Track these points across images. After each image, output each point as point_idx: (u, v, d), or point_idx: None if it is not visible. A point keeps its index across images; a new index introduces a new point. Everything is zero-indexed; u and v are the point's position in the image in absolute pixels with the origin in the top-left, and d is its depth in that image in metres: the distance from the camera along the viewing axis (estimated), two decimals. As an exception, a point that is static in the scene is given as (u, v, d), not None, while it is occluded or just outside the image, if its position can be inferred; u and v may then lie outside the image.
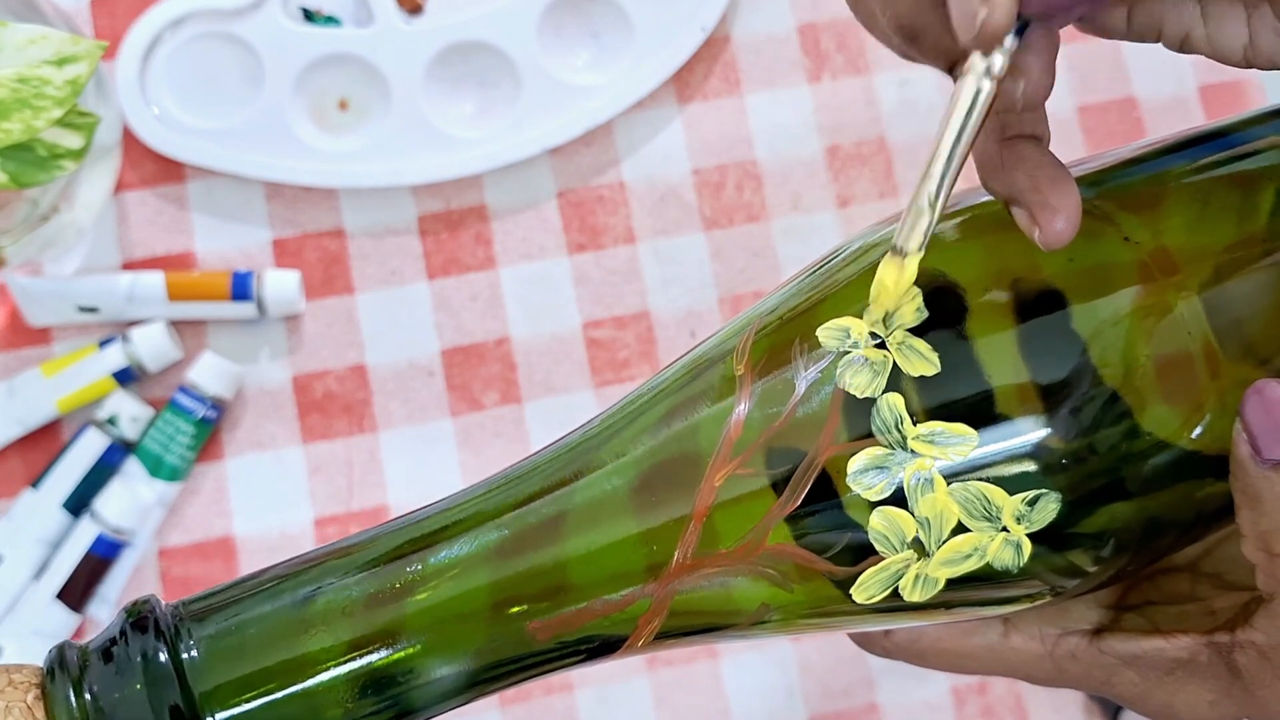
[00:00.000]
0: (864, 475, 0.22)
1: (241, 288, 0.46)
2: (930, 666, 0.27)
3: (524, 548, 0.22)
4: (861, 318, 0.23)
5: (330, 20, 0.49)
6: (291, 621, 0.21)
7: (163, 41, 0.47)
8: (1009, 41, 0.20)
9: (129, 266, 0.48)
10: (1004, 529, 0.22)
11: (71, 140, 0.38)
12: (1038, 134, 0.24)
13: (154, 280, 0.46)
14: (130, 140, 0.48)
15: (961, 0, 0.20)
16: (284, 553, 0.47)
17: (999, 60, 0.21)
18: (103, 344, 0.46)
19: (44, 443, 0.47)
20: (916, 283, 0.23)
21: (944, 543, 0.22)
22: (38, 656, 0.47)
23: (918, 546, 0.22)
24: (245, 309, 0.46)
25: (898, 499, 0.22)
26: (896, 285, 0.22)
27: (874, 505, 0.22)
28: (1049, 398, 0.22)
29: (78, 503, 0.45)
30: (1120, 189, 0.25)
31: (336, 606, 0.21)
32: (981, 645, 0.26)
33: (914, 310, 0.23)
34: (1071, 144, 0.51)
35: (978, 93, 0.21)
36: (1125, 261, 0.24)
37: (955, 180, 0.22)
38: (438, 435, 0.48)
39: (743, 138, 0.50)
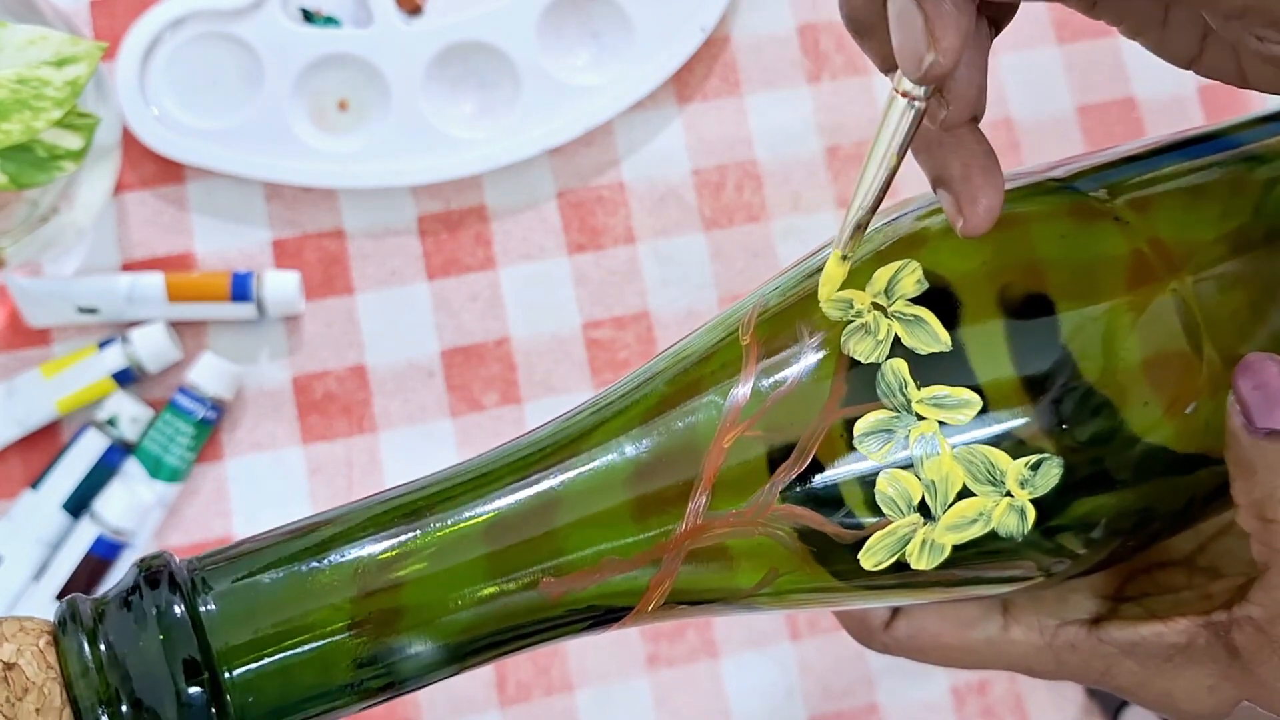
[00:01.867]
0: (869, 438, 0.22)
1: (241, 288, 0.46)
2: (931, 662, 0.27)
3: (540, 508, 0.22)
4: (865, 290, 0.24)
5: (330, 21, 0.49)
6: (308, 577, 0.21)
7: (162, 42, 0.47)
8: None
9: (129, 267, 0.48)
10: (1008, 493, 0.23)
11: (71, 141, 0.38)
12: (976, 114, 0.25)
13: (154, 281, 0.46)
14: (130, 141, 0.48)
15: (908, 41, 0.20)
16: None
17: (923, 90, 0.21)
18: (102, 345, 0.46)
19: (44, 443, 0.47)
20: (924, 262, 0.23)
21: (949, 507, 0.22)
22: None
23: (924, 510, 0.23)
24: (245, 310, 0.46)
25: (904, 463, 0.22)
26: (833, 279, 0.23)
27: (880, 468, 0.22)
28: (1043, 381, 0.23)
29: (77, 503, 0.45)
30: (1118, 182, 0.26)
31: (351, 564, 0.21)
32: (981, 639, 0.26)
33: (914, 281, 0.23)
34: (1071, 144, 0.51)
35: (905, 112, 0.21)
36: (1122, 249, 0.24)
37: (886, 189, 0.22)
38: (437, 435, 0.48)
39: (742, 138, 0.51)
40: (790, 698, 0.48)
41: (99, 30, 0.49)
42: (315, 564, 0.21)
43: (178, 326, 0.47)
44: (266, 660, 0.20)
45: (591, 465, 0.23)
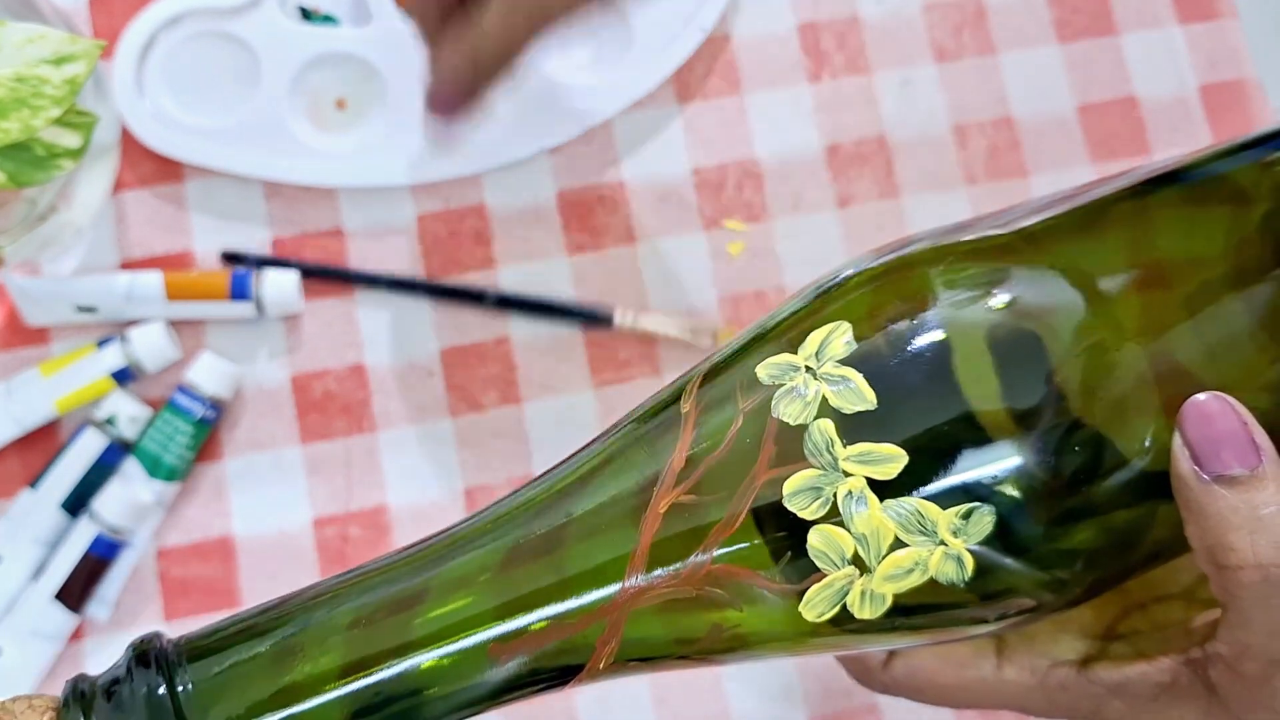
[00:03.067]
0: (798, 496, 0.23)
1: (240, 287, 0.46)
2: (928, 701, 0.28)
3: (489, 573, 0.23)
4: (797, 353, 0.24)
5: (327, 19, 0.49)
6: (269, 661, 0.23)
7: (159, 40, 0.47)
8: None
9: (127, 266, 0.48)
10: (942, 543, 0.23)
11: (70, 139, 0.38)
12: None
13: (152, 280, 0.46)
14: (128, 140, 0.48)
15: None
16: (283, 552, 0.47)
17: None
18: (101, 344, 0.46)
19: (42, 443, 0.47)
20: (850, 319, 0.24)
21: (884, 558, 0.23)
22: (36, 657, 0.47)
23: (859, 563, 0.23)
24: (244, 309, 0.46)
25: (835, 519, 0.23)
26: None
27: (811, 524, 0.23)
28: (981, 422, 0.23)
29: (76, 503, 0.45)
30: (1063, 227, 0.26)
31: (312, 648, 0.23)
32: (976, 678, 0.27)
33: (843, 343, 0.24)
34: (1072, 144, 0.51)
35: None
36: (1065, 294, 0.24)
37: None
38: (437, 435, 0.48)
39: (743, 137, 0.50)
40: (790, 698, 0.48)
41: (97, 28, 0.49)
42: (279, 649, 0.23)
43: (176, 325, 0.47)
44: None
45: (536, 529, 0.24)
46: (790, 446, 0.23)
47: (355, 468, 0.47)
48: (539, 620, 0.23)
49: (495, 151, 0.48)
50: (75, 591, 0.44)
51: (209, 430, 0.46)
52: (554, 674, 0.24)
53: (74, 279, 0.46)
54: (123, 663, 0.23)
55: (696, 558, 0.23)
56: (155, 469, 0.45)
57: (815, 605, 0.23)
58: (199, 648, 0.23)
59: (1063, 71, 0.52)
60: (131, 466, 0.45)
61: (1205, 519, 0.23)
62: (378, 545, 0.47)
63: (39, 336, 0.47)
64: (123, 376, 0.46)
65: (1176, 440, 0.23)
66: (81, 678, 0.23)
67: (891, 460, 0.23)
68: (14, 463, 0.46)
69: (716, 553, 0.23)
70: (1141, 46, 0.52)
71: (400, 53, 0.48)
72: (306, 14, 0.49)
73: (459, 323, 0.49)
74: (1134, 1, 0.53)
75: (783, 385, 0.24)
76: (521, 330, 0.49)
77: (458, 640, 0.23)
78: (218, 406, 0.46)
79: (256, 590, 0.46)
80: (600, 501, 0.24)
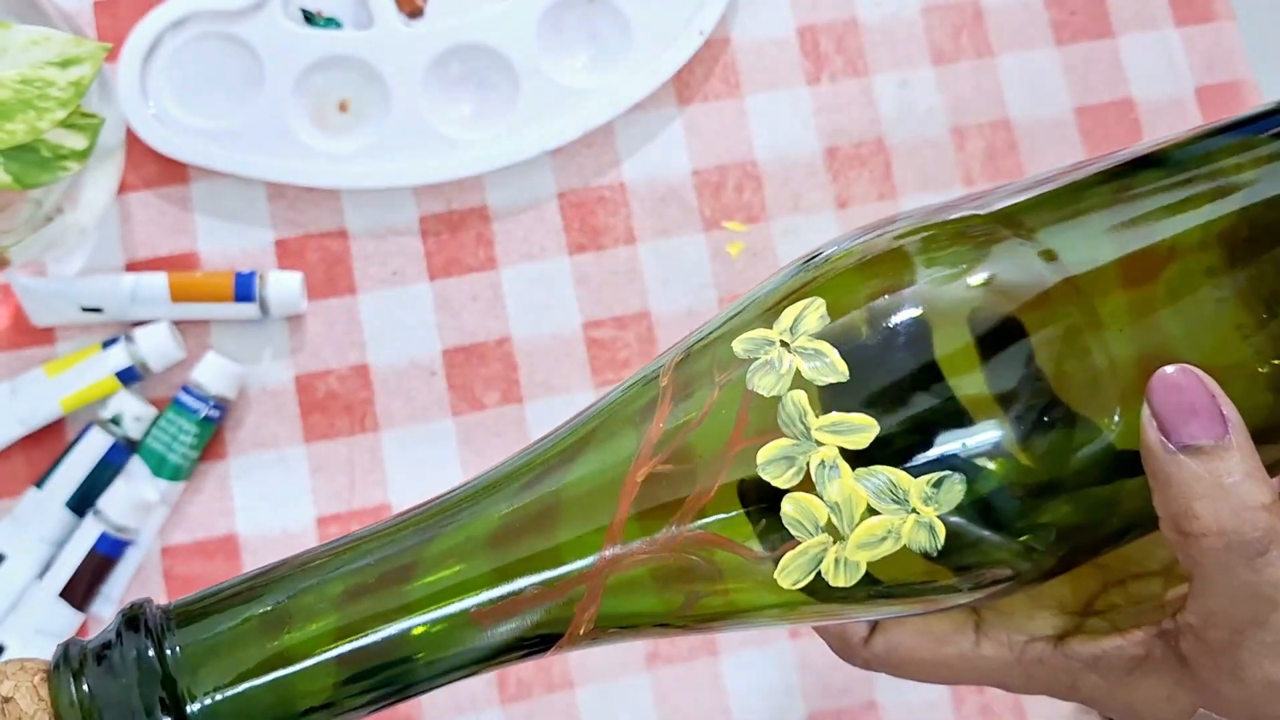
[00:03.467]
0: (772, 465, 0.24)
1: (244, 288, 0.46)
2: (908, 677, 0.28)
3: (475, 543, 0.24)
4: (772, 328, 0.25)
5: (330, 22, 0.49)
6: (259, 627, 0.23)
7: (164, 42, 0.47)
8: None
9: (132, 267, 0.48)
10: (914, 511, 0.23)
11: (75, 141, 0.38)
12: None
13: (157, 281, 0.46)
14: (133, 142, 0.48)
15: None
16: (286, 551, 0.47)
17: None
18: (106, 344, 0.46)
19: (48, 442, 0.47)
20: (826, 295, 0.25)
21: (857, 525, 0.23)
22: (41, 655, 0.47)
23: (832, 530, 0.23)
24: (248, 309, 0.47)
25: (809, 487, 0.24)
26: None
27: (785, 493, 0.23)
28: (956, 396, 0.24)
29: (81, 502, 0.45)
30: (1042, 207, 0.26)
31: (301, 615, 0.23)
32: (955, 654, 0.27)
33: (817, 318, 0.24)
34: (1069, 145, 0.52)
35: None
36: (1031, 270, 0.25)
37: None
38: (439, 435, 0.48)
39: (742, 139, 0.51)
40: (790, 695, 0.48)
41: (102, 31, 0.49)
42: (262, 607, 0.23)
43: (181, 326, 0.48)
44: (223, 694, 0.23)
45: (520, 500, 0.25)
46: (765, 418, 0.24)
47: (358, 467, 0.48)
48: (522, 588, 0.24)
49: (496, 153, 0.48)
50: (80, 590, 0.45)
51: (213, 429, 0.46)
52: (536, 641, 0.24)
53: (79, 280, 0.46)
54: (113, 627, 0.23)
55: (673, 527, 0.24)
56: (160, 468, 0.46)
57: (790, 573, 0.24)
58: (189, 612, 0.23)
59: (1060, 73, 0.52)
60: (136, 465, 0.46)
61: (1170, 487, 0.23)
62: (380, 544, 0.47)
63: (44, 337, 0.47)
64: (128, 376, 0.46)
65: (1145, 411, 0.23)
66: (73, 642, 0.23)
67: (863, 430, 0.23)
68: (20, 462, 0.47)
69: (693, 522, 0.24)
70: (1138, 48, 0.53)
71: (402, 56, 0.48)
72: (310, 17, 0.49)
73: (460, 323, 0.49)
74: (1131, 4, 0.53)
75: (758, 359, 0.24)
76: (523, 330, 0.49)
77: (444, 607, 0.24)
78: (222, 406, 0.46)
79: (260, 588, 0.47)
80: (581, 473, 0.25)
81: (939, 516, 0.23)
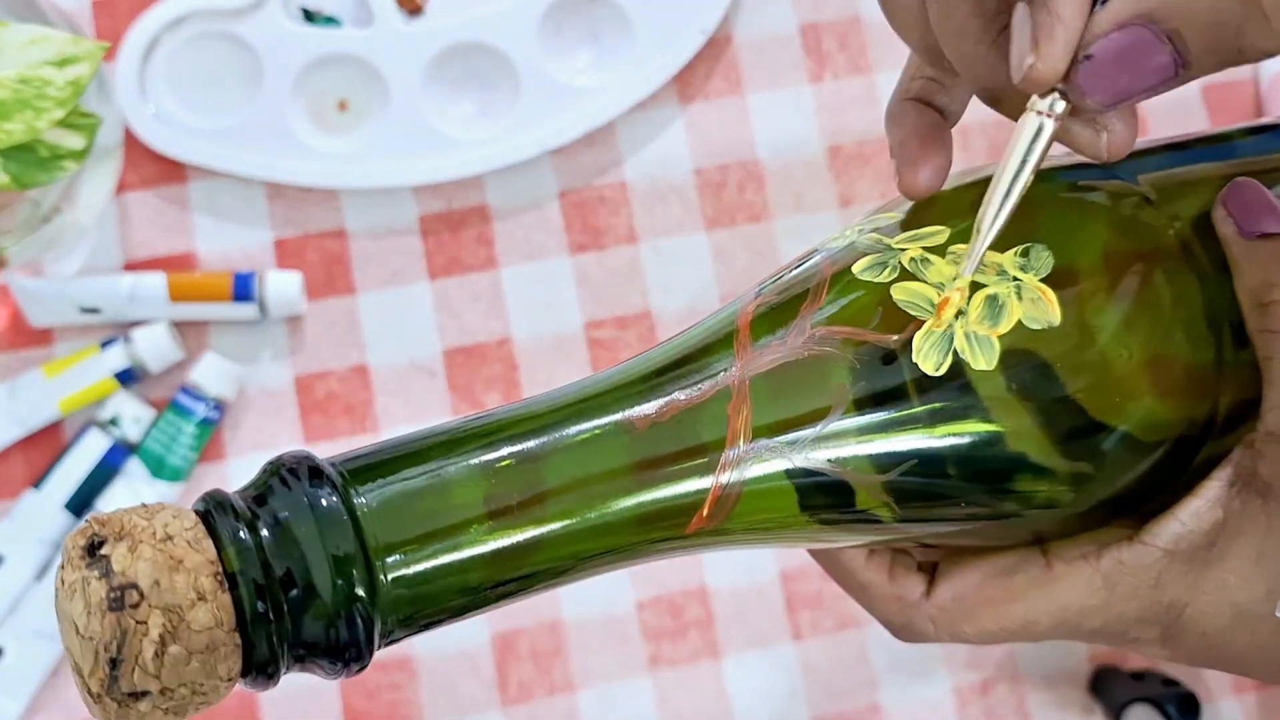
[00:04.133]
0: (868, 271, 0.25)
1: (243, 288, 0.46)
2: (979, 630, 0.27)
3: (634, 376, 0.25)
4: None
5: (330, 21, 0.49)
6: (453, 474, 0.22)
7: (162, 41, 0.47)
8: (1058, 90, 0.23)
9: (130, 267, 0.48)
10: (1014, 279, 0.24)
11: (73, 141, 0.38)
12: (940, 107, 0.28)
13: (155, 281, 0.46)
14: (131, 141, 0.48)
15: (1017, 42, 0.22)
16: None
17: (1059, 104, 0.23)
18: (104, 345, 0.46)
19: (46, 443, 0.47)
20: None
21: (970, 300, 0.24)
22: (40, 657, 0.47)
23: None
24: (247, 310, 0.46)
25: (909, 278, 0.25)
26: (953, 295, 0.25)
27: (887, 285, 0.24)
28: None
29: (80, 503, 0.45)
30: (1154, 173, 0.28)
31: (489, 462, 0.23)
32: (1027, 582, 0.26)
33: (887, 214, 0.27)
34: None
35: (1039, 129, 0.23)
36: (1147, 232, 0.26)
37: (1012, 208, 0.24)
38: (439, 435, 0.48)
39: (744, 138, 0.50)
40: (793, 698, 0.48)
41: (101, 30, 0.49)
42: (458, 461, 0.23)
43: (180, 326, 0.47)
44: (416, 553, 0.22)
45: (676, 343, 0.26)
46: (844, 259, 0.26)
47: (358, 468, 0.48)
48: (674, 391, 0.24)
49: (497, 152, 0.48)
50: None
51: (212, 431, 0.46)
52: (694, 455, 0.24)
53: (77, 280, 0.46)
54: (262, 479, 0.22)
55: (796, 325, 0.25)
56: (158, 469, 0.45)
57: (927, 354, 0.24)
58: (364, 463, 0.23)
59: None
60: (135, 467, 0.46)
61: (1251, 266, 0.25)
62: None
63: (42, 337, 0.47)
64: (126, 377, 0.46)
65: (1219, 212, 0.26)
66: (217, 492, 0.22)
67: (937, 232, 0.25)
68: (18, 463, 0.47)
69: (813, 318, 0.25)
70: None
71: (402, 54, 0.48)
72: (309, 15, 0.49)
73: (461, 323, 0.49)
74: (1135, 1, 0.53)
75: (835, 241, 0.27)
76: (523, 330, 0.49)
77: (606, 419, 0.24)
78: (221, 407, 0.46)
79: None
80: (702, 329, 0.26)
81: (1039, 281, 0.24)
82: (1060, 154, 0.28)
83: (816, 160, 0.51)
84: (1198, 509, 0.25)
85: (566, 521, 0.23)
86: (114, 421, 0.46)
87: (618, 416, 0.24)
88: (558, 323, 0.49)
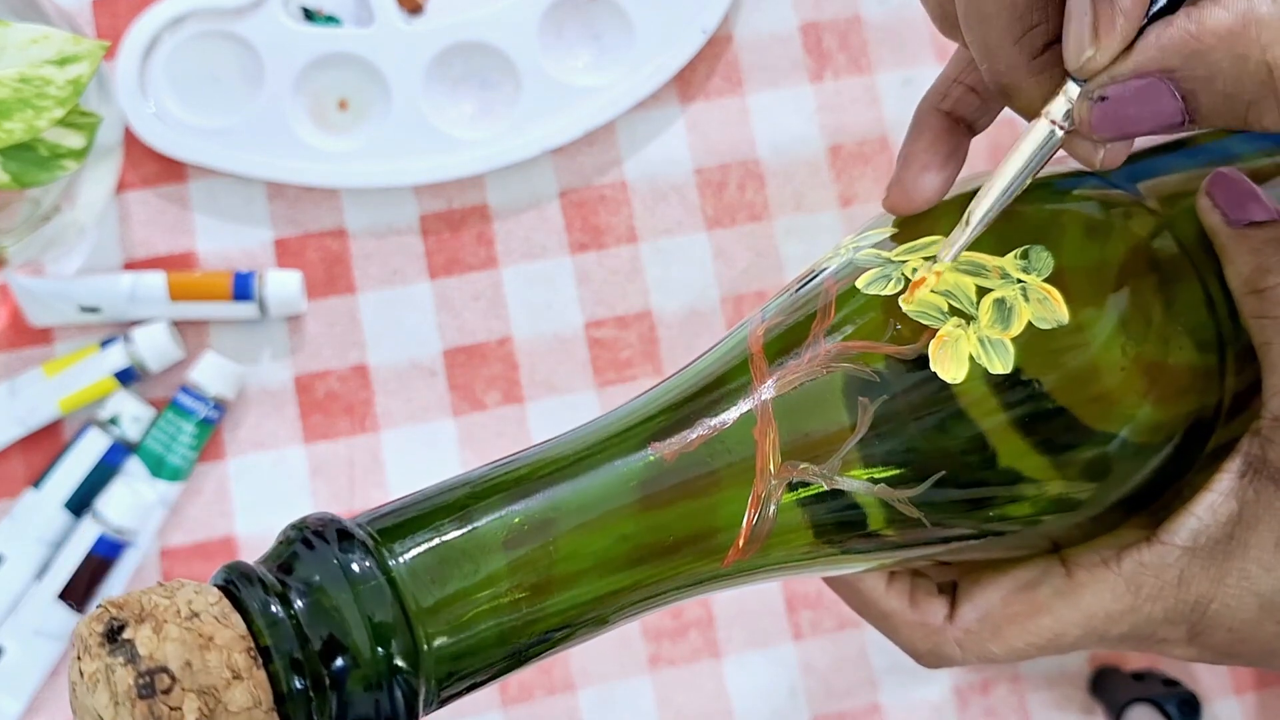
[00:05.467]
0: (874, 283, 0.25)
1: (243, 288, 0.46)
2: (1007, 648, 0.26)
3: (656, 409, 0.25)
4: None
5: (330, 20, 0.49)
6: (492, 533, 0.21)
7: (162, 40, 0.47)
8: (1074, 95, 0.23)
9: (131, 266, 0.48)
10: (1019, 281, 0.25)
11: (73, 140, 0.38)
12: (970, 121, 0.28)
13: (156, 280, 0.46)
14: (131, 140, 0.48)
15: (1075, 33, 0.22)
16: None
17: (1071, 112, 0.23)
18: (104, 344, 0.46)
19: (45, 443, 0.47)
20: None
21: (978, 305, 0.24)
22: (40, 657, 0.47)
23: (958, 315, 0.24)
24: (247, 309, 0.46)
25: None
26: (928, 276, 0.25)
27: (894, 297, 0.25)
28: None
29: (79, 503, 0.45)
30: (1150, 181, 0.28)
31: (534, 516, 0.22)
32: (1051, 594, 0.26)
33: (873, 235, 0.27)
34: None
35: (1050, 135, 0.24)
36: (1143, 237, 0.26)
37: (1004, 207, 0.25)
38: (440, 435, 0.48)
39: (745, 137, 0.50)
40: (793, 698, 0.48)
41: (101, 29, 0.49)
42: (492, 513, 0.22)
43: (180, 326, 0.47)
44: (460, 614, 0.21)
45: (691, 376, 0.25)
46: (845, 276, 0.26)
47: (358, 467, 0.47)
48: (696, 421, 0.24)
49: (498, 151, 0.48)
50: (79, 591, 0.44)
51: (212, 430, 0.46)
52: (722, 470, 0.24)
53: (77, 279, 0.46)
54: (301, 535, 0.21)
55: (812, 346, 0.25)
56: (158, 469, 0.45)
57: (945, 364, 0.24)
58: (393, 523, 0.21)
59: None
60: (135, 466, 0.46)
61: (1242, 255, 0.25)
62: (380, 545, 0.47)
63: (42, 337, 0.47)
64: (126, 377, 0.46)
65: (1204, 203, 0.26)
66: (239, 564, 0.20)
67: (934, 242, 0.25)
68: (17, 463, 0.47)
69: (825, 338, 0.25)
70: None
71: (402, 54, 0.48)
72: (309, 15, 0.49)
73: (461, 323, 0.49)
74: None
75: (820, 260, 0.27)
76: (524, 330, 0.49)
77: (629, 457, 0.23)
78: (221, 406, 0.46)
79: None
80: (711, 359, 0.26)
81: (1043, 282, 0.24)
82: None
83: (817, 160, 0.51)
84: (1212, 502, 0.25)
85: (610, 564, 0.22)
86: (114, 421, 0.46)
87: (646, 451, 0.23)
88: (558, 322, 0.49)
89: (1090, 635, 0.26)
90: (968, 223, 0.24)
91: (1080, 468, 0.25)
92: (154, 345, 0.45)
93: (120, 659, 0.18)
